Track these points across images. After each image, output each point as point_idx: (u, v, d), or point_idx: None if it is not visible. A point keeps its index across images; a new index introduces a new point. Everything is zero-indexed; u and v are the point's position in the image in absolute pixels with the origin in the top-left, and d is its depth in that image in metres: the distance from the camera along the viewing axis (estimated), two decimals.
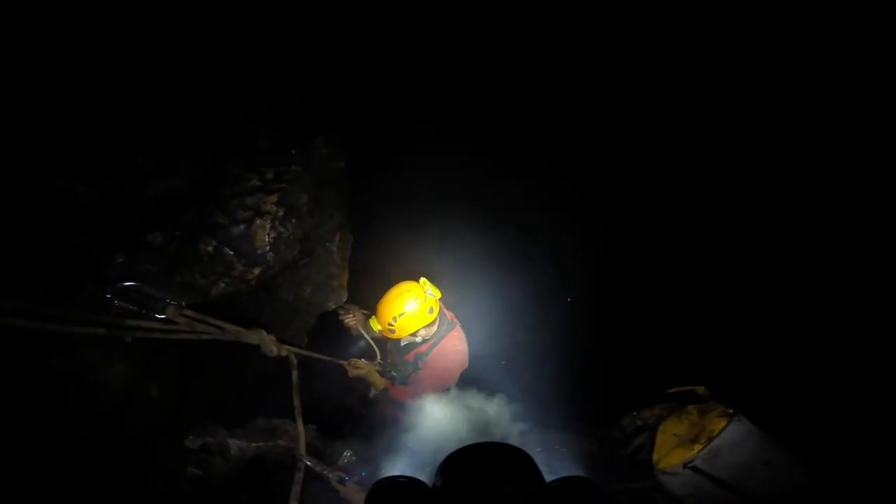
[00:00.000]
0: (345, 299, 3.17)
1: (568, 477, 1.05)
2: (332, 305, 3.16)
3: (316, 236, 2.88)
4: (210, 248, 2.22)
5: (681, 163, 3.61)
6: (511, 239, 3.95)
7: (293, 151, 2.63)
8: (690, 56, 3.42)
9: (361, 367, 2.86)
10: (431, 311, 2.71)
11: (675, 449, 2.19)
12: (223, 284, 2.28)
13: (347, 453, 2.66)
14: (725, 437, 2.04)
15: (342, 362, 2.94)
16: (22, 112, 2.17)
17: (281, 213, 2.39)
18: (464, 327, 3.02)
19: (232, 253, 2.26)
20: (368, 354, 2.93)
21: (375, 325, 2.91)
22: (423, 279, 2.76)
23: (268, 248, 2.34)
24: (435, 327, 2.80)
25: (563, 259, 4.11)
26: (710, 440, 2.05)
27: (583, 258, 4.02)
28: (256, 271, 2.33)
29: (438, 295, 2.77)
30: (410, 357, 2.92)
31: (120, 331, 2.12)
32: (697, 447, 2.08)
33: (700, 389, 2.38)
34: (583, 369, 3.22)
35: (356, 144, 3.21)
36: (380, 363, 2.95)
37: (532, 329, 3.54)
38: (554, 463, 2.31)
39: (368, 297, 3.18)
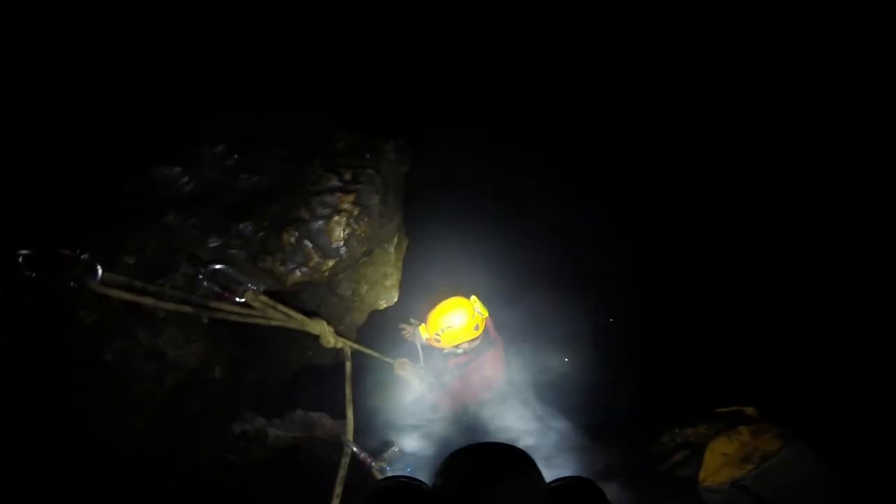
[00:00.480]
0: (396, 299, 3.29)
1: (569, 477, 1.04)
2: (382, 304, 3.28)
3: (378, 237, 3.01)
4: (293, 239, 2.35)
5: (744, 175, 3.59)
6: (559, 255, 4.04)
7: (367, 155, 2.79)
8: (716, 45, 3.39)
9: (406, 368, 3.07)
10: (477, 328, 2.88)
11: (723, 468, 2.23)
12: (299, 273, 2.41)
13: (395, 448, 2.76)
14: (781, 458, 2.06)
15: (390, 360, 3.10)
16: (136, 110, 2.36)
17: (356, 213, 2.53)
18: (508, 344, 3.16)
19: (311, 245, 2.40)
20: (414, 358, 3.11)
21: (424, 333, 3.08)
22: (473, 297, 2.94)
23: (342, 243, 2.48)
24: (477, 342, 2.96)
25: (606, 275, 4.17)
26: (764, 460, 2.08)
27: (627, 273, 4.06)
28: (330, 263, 2.46)
29: (486, 314, 2.94)
30: (450, 365, 3.08)
31: (205, 311, 2.27)
32: (749, 466, 2.11)
33: (749, 410, 2.41)
34: (626, 385, 3.29)
35: (418, 149, 3.36)
36: (422, 367, 3.12)
37: (577, 348, 3.64)
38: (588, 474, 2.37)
39: (417, 298, 3.33)
